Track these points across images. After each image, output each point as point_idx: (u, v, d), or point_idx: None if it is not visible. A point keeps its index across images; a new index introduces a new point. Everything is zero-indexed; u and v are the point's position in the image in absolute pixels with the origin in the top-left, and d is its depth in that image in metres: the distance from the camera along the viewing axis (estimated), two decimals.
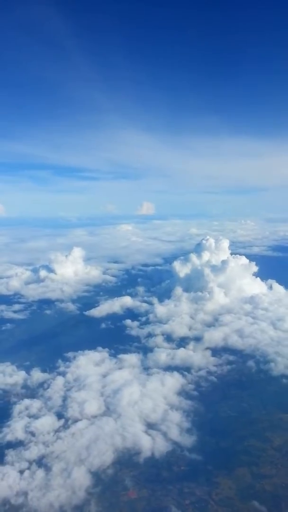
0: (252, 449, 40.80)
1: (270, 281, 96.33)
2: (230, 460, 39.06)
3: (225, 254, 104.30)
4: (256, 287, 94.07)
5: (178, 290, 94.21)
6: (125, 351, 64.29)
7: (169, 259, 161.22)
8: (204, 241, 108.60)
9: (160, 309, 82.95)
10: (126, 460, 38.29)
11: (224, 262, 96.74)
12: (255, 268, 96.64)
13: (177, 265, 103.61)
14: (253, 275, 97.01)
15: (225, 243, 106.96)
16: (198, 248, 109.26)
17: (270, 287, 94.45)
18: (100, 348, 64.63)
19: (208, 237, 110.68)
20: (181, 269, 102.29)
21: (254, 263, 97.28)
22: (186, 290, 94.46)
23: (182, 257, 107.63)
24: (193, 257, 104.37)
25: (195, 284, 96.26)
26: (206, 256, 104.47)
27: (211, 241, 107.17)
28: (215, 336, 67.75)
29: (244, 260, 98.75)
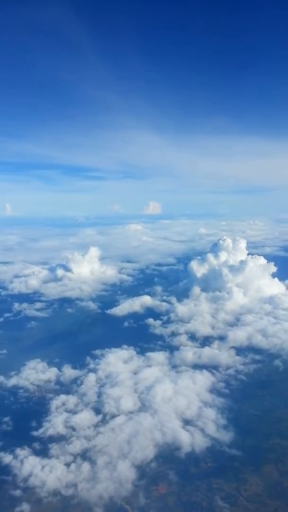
0: (277, 447, 41.43)
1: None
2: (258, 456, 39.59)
3: (242, 254, 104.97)
4: (274, 287, 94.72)
5: (196, 290, 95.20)
6: (150, 350, 65.36)
7: (181, 259, 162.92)
8: (221, 241, 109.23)
9: (181, 309, 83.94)
10: (168, 454, 39.34)
11: (242, 262, 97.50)
12: (273, 269, 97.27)
13: (194, 265, 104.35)
14: (270, 275, 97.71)
15: (242, 243, 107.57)
16: (215, 248, 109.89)
17: None
18: (125, 346, 65.73)
19: (225, 237, 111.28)
20: (198, 269, 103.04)
21: (272, 263, 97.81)
22: (204, 290, 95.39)
23: (199, 257, 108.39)
24: (210, 257, 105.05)
25: (212, 284, 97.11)
26: (223, 256, 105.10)
27: (228, 241, 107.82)
28: (239, 336, 68.57)
29: (262, 260, 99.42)
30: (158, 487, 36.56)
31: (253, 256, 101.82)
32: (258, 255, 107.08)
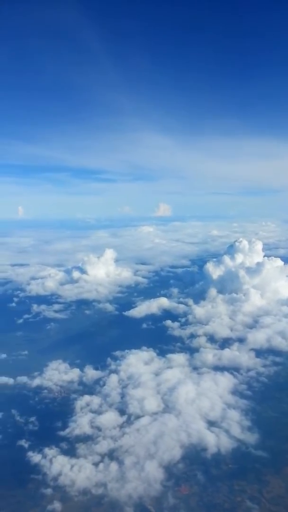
0: None
1: None
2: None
3: (259, 256, 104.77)
4: None
5: (213, 292, 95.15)
6: (170, 351, 65.65)
7: (196, 261, 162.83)
8: (237, 243, 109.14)
9: (198, 310, 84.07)
10: (194, 455, 39.61)
11: (259, 264, 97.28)
12: None
13: (210, 266, 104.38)
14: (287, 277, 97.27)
15: (259, 245, 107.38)
16: (231, 250, 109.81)
17: None
18: (144, 348, 66.12)
19: (241, 239, 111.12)
20: (214, 271, 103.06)
21: None
22: (220, 291, 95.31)
23: (214, 259, 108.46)
24: (226, 259, 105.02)
25: (229, 286, 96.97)
26: (239, 258, 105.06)
27: (245, 243, 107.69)
28: (258, 338, 68.47)
29: (279, 262, 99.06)
30: (181, 488, 36.88)
31: (270, 258, 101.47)
32: (273, 256, 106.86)
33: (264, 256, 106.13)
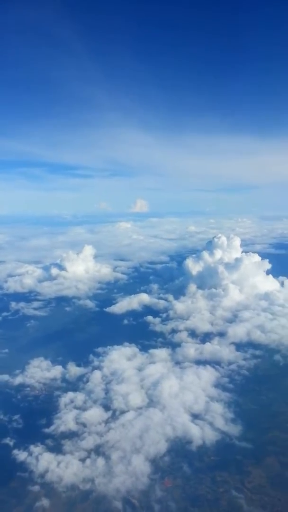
0: (277, 439, 42.58)
1: (281, 278, 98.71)
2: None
3: (237, 252, 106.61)
4: (268, 284, 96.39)
5: (192, 287, 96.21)
6: (152, 347, 66.08)
7: (174, 257, 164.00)
8: (215, 239, 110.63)
9: (179, 306, 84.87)
10: (180, 448, 40.22)
11: (237, 260, 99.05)
12: (267, 266, 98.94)
13: (189, 262, 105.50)
14: (264, 272, 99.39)
15: (237, 241, 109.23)
16: (210, 246, 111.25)
17: (282, 284, 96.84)
18: (126, 344, 66.34)
19: (220, 235, 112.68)
20: (194, 267, 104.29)
21: (267, 260, 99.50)
22: (200, 287, 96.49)
23: (193, 255, 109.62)
24: (205, 254, 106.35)
25: (208, 282, 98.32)
26: (218, 253, 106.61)
27: (223, 239, 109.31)
28: (238, 332, 69.84)
29: (256, 257, 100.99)
30: (164, 481, 37.42)
31: (248, 253, 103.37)
32: (250, 252, 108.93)
33: (241, 252, 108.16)
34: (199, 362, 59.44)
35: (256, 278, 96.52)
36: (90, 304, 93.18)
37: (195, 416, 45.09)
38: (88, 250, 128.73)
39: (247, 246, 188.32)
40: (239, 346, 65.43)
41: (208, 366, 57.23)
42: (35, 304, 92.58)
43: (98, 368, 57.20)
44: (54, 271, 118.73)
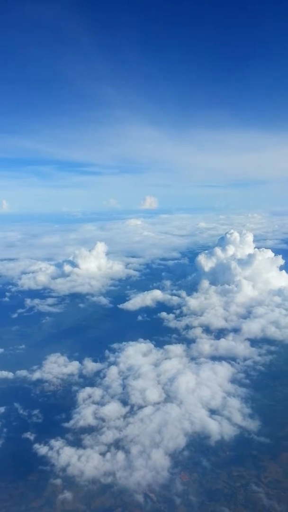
0: None
1: None
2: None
3: (250, 247, 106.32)
4: (282, 280, 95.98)
5: (205, 283, 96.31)
6: (167, 343, 66.33)
7: (185, 253, 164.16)
8: (228, 235, 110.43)
9: (192, 302, 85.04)
10: (198, 443, 40.50)
11: (251, 256, 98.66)
12: (281, 261, 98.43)
13: (201, 258, 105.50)
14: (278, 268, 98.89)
15: (250, 237, 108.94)
16: (222, 242, 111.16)
17: None
18: (141, 340, 66.69)
19: (232, 231, 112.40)
20: (206, 263, 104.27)
21: (280, 256, 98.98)
22: (212, 283, 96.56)
23: (206, 251, 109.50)
24: (218, 250, 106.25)
25: (221, 278, 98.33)
26: (231, 249, 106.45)
27: (236, 235, 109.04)
28: (253, 328, 69.82)
29: (270, 253, 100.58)
30: (180, 476, 37.73)
31: (261, 249, 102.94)
32: (263, 248, 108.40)
33: (254, 247, 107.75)
34: (215, 358, 59.62)
35: (269, 274, 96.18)
36: (103, 300, 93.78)
37: (213, 412, 45.28)
38: (100, 247, 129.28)
39: (259, 241, 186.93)
40: (254, 342, 65.41)
41: (223, 362, 57.34)
42: (50, 300, 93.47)
43: (114, 363, 57.68)
44: (67, 268, 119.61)
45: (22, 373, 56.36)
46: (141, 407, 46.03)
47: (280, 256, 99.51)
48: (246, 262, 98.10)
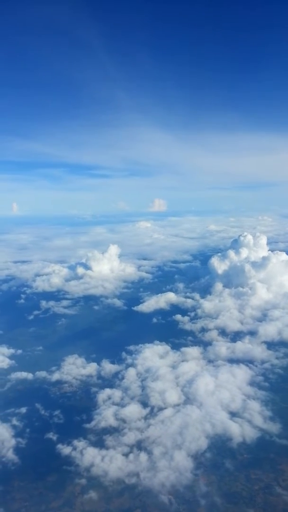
0: None
1: None
2: None
3: (263, 250, 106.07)
4: None
5: (219, 286, 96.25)
6: (183, 345, 66.55)
7: (197, 256, 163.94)
8: (242, 237, 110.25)
9: (207, 305, 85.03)
10: (220, 445, 40.61)
11: (265, 258, 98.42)
12: None
13: (215, 261, 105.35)
14: None
15: (263, 240, 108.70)
16: (235, 244, 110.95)
17: None
18: (157, 342, 66.91)
19: (246, 233, 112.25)
20: (219, 265, 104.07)
21: None
22: (226, 286, 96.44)
23: (219, 254, 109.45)
24: (231, 253, 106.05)
25: (234, 280, 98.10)
26: (244, 252, 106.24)
27: (249, 237, 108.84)
28: (269, 330, 69.61)
29: (284, 256, 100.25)
30: (200, 478, 37.81)
31: (275, 252, 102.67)
32: (277, 250, 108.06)
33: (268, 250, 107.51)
34: (232, 361, 59.61)
35: (284, 276, 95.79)
36: (118, 302, 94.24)
37: (233, 414, 45.34)
38: (113, 250, 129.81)
39: (270, 244, 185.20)
40: (271, 345, 65.23)
41: (241, 365, 57.35)
42: (64, 302, 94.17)
43: (132, 365, 58.04)
44: (80, 270, 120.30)
45: (42, 374, 56.98)
46: (161, 409, 46.30)
47: None
48: (260, 264, 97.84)
